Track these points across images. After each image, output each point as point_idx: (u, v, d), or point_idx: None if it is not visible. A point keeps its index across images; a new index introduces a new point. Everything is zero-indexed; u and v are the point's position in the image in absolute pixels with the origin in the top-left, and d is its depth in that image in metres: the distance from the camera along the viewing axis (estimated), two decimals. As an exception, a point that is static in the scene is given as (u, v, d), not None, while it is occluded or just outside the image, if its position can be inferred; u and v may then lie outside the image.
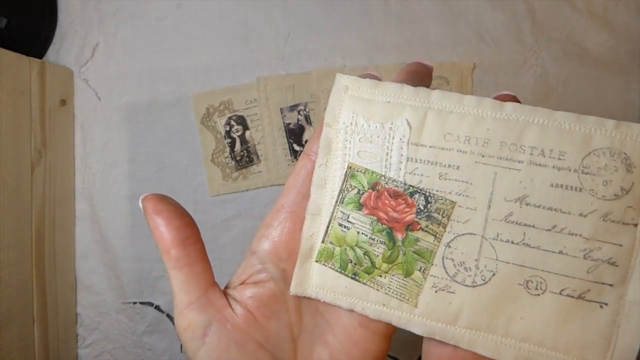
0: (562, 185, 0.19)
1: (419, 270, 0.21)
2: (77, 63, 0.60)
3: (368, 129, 0.21)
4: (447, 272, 0.20)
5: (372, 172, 0.21)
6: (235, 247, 0.58)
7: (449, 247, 0.20)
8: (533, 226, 0.19)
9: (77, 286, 0.60)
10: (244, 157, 0.59)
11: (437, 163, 0.20)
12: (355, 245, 0.21)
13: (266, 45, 0.59)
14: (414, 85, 0.21)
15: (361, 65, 0.58)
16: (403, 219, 0.21)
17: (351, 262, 0.22)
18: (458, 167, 0.20)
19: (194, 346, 0.22)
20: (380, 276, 0.21)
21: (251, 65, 0.59)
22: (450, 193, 0.20)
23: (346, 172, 0.21)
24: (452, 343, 0.20)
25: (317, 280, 0.22)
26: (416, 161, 0.20)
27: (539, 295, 0.19)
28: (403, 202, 0.21)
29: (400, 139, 0.21)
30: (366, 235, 0.21)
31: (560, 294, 0.19)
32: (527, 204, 0.19)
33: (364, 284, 0.21)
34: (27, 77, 0.52)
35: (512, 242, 0.19)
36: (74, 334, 0.60)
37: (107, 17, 0.60)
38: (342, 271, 0.22)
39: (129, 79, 0.60)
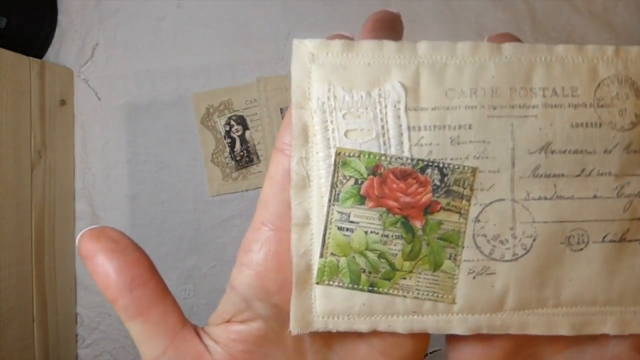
0: (582, 124, 0.17)
1: (449, 259, 0.18)
2: (77, 63, 0.60)
3: (352, 101, 0.17)
4: (481, 252, 0.18)
5: (369, 154, 0.17)
6: (235, 247, 0.58)
7: (478, 221, 0.18)
8: (562, 175, 0.17)
9: (77, 286, 0.60)
10: (244, 157, 0.59)
11: (445, 126, 0.17)
12: (366, 249, 0.18)
13: (266, 45, 0.59)
14: (388, 38, 0.18)
15: (361, 65, 0.58)
16: (418, 202, 0.17)
17: (364, 271, 0.18)
18: (470, 125, 0.17)
19: None
20: (405, 278, 0.18)
21: (251, 65, 0.59)
22: (467, 158, 0.17)
23: (335, 161, 0.18)
24: (500, 332, 0.18)
25: (323, 306, 0.18)
26: (420, 129, 0.17)
27: (582, 249, 0.18)
28: (414, 181, 0.17)
29: (395, 107, 0.17)
30: (377, 233, 0.18)
31: (603, 241, 0.18)
32: (552, 152, 0.17)
33: (386, 293, 0.18)
34: (27, 77, 0.52)
35: (546, 198, 0.17)
36: (74, 334, 0.60)
37: (107, 17, 0.60)
38: (355, 286, 0.18)
39: (129, 79, 0.60)
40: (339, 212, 0.18)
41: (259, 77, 0.58)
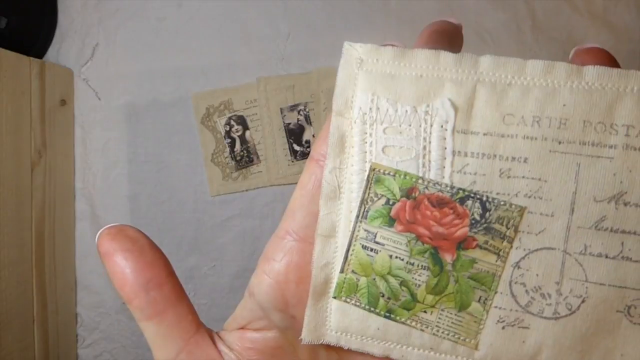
0: None
1: (478, 301, 0.16)
2: (77, 63, 0.60)
3: (395, 115, 0.16)
4: (517, 302, 0.16)
5: (405, 174, 0.16)
6: (235, 247, 0.58)
7: (519, 268, 0.16)
8: (634, 233, 0.15)
9: (77, 286, 0.60)
10: (244, 157, 0.59)
11: (495, 156, 0.15)
12: (388, 273, 0.17)
13: (266, 45, 0.59)
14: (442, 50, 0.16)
15: (361, 65, 0.58)
16: (452, 235, 0.16)
17: (383, 296, 0.17)
18: (525, 159, 0.15)
19: None
20: (425, 312, 0.16)
21: (251, 65, 0.59)
22: (516, 195, 0.15)
23: (368, 177, 0.16)
24: None
25: (338, 321, 0.17)
26: (466, 155, 0.16)
27: None
28: (451, 211, 0.16)
29: (442, 127, 0.16)
30: (402, 260, 0.16)
31: None
32: (625, 204, 0.15)
33: (403, 323, 0.17)
34: (27, 77, 0.52)
35: (607, 257, 0.15)
36: (74, 334, 0.60)
37: (107, 17, 0.60)
38: (372, 308, 0.17)
39: (129, 79, 0.60)
40: (365, 230, 0.17)
41: (259, 77, 0.58)
